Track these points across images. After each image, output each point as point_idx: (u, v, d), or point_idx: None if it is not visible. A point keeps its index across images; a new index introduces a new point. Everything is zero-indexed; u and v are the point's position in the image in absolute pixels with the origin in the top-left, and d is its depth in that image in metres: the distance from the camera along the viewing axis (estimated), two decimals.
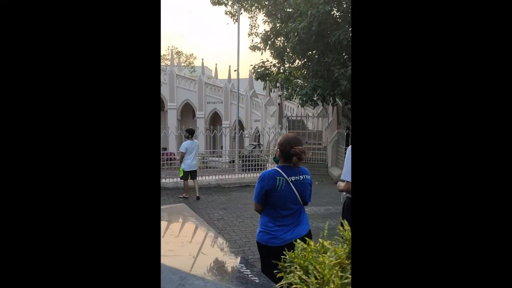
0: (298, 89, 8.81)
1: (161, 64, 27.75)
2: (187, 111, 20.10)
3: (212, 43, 58.13)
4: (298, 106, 12.49)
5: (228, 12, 14.43)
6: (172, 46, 39.84)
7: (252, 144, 12.16)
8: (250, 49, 11.98)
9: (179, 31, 56.91)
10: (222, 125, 18.72)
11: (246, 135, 15.55)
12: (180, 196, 6.55)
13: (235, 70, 18.40)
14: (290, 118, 14.02)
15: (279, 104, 10.61)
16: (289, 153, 1.96)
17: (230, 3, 13.65)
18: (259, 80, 9.52)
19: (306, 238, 1.96)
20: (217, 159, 11.20)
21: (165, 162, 9.16)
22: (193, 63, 29.29)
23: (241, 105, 18.64)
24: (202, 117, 19.26)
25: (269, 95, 16.05)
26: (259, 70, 8.97)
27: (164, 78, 18.59)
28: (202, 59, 21.12)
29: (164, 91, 18.53)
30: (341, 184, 2.36)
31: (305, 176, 2.06)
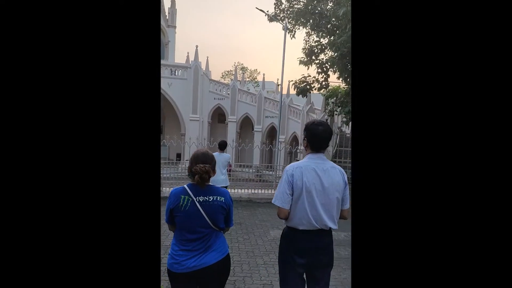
0: (341, 106, 8.37)
1: (227, 80, 29.41)
2: (247, 124, 20.70)
3: (276, 59, 59.32)
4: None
5: (286, 28, 14.63)
6: (237, 62, 41.86)
7: (297, 160, 11.89)
8: (302, 63, 11.90)
9: (244, 48, 59.68)
10: (279, 139, 18.79)
11: (300, 151, 15.29)
12: None
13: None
14: (345, 135, 13.33)
15: (326, 120, 10.21)
16: (191, 171, 1.79)
17: (287, 20, 13.83)
18: (301, 95, 9.32)
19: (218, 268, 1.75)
20: (270, 173, 11.31)
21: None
22: (256, 78, 30.33)
23: (297, 120, 18.48)
24: (259, 130, 19.61)
25: (325, 111, 15.58)
26: (300, 86, 8.81)
27: (227, 92, 19.58)
28: (263, 74, 21.77)
29: (226, 104, 19.48)
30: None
31: (216, 198, 1.81)
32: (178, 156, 16.48)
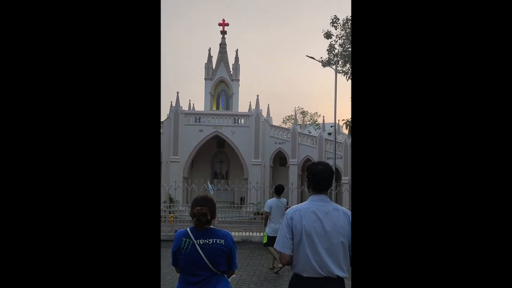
0: None
1: (288, 125, 30.13)
2: None
3: (339, 100, 59.08)
4: None
5: (341, 71, 14.87)
6: (297, 107, 42.74)
7: None
8: None
9: (305, 92, 60.90)
10: (342, 181, 18.09)
11: None
12: (271, 267, 5.45)
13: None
14: None
15: None
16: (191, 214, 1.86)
17: (340, 62, 14.13)
18: None
19: None
20: None
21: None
22: (317, 121, 30.45)
23: None
24: None
25: None
26: None
27: (287, 136, 20.06)
28: (323, 117, 21.94)
29: (287, 148, 19.83)
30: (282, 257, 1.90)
31: (216, 240, 1.86)
32: (242, 200, 16.96)
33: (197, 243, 1.84)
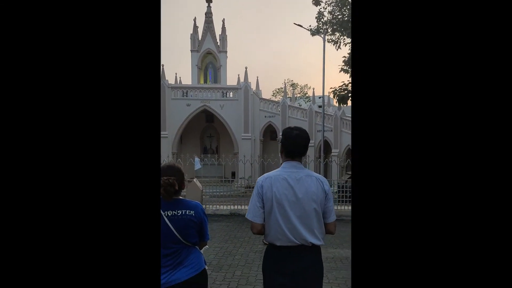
0: None
1: (278, 98, 29.70)
2: None
3: (326, 72, 58.36)
4: None
5: (330, 40, 14.43)
6: (287, 79, 42.14)
7: (348, 174, 11.31)
8: (342, 71, 11.57)
9: (295, 64, 59.96)
10: (332, 154, 18.16)
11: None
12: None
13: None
14: None
15: None
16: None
17: (330, 31, 13.67)
18: (341, 104, 8.98)
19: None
20: None
21: None
22: (307, 93, 30.10)
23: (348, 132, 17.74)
24: (312, 145, 19.20)
25: None
26: (340, 93, 8.51)
27: (277, 109, 19.82)
28: (313, 89, 21.58)
29: (277, 121, 19.66)
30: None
31: (186, 211, 1.75)
32: (233, 174, 16.95)
33: (165, 215, 1.73)
